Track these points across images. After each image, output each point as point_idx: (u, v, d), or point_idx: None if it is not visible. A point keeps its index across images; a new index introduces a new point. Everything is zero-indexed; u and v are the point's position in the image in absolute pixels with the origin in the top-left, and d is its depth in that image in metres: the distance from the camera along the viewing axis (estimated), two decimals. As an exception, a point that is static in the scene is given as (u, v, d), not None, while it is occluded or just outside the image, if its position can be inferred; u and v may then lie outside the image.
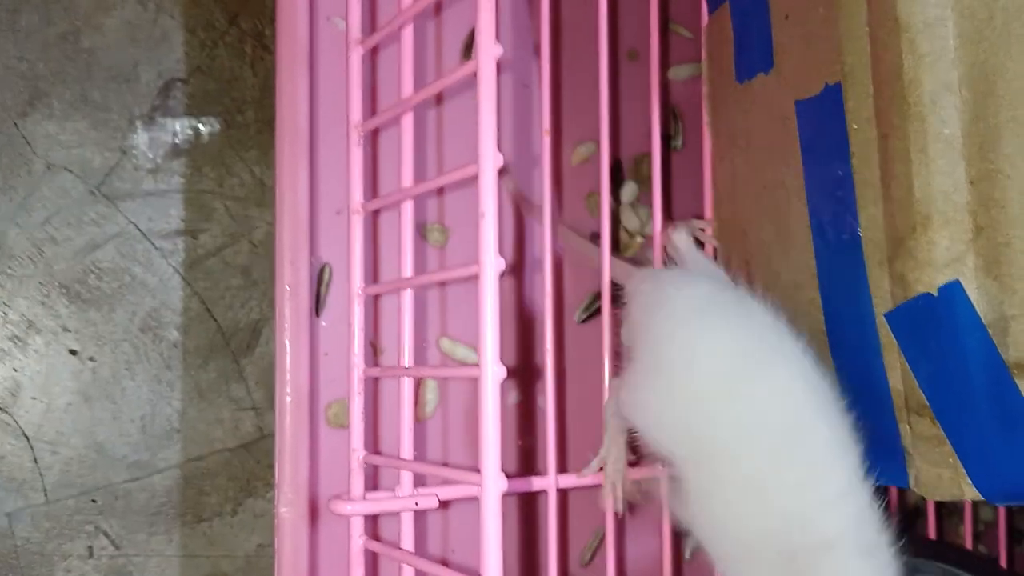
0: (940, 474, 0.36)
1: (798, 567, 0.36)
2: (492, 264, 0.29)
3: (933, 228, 0.33)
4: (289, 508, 0.42)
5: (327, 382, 0.47)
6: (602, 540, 0.49)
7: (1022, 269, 0.33)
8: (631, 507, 0.47)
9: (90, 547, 0.45)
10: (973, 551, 0.56)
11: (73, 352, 0.46)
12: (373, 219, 0.48)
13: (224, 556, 0.48)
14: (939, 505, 0.56)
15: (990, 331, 0.33)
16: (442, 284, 0.52)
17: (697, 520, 0.40)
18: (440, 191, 0.51)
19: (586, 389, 0.50)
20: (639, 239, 0.59)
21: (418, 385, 0.51)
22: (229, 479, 0.48)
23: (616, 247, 0.57)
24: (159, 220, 0.48)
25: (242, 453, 0.48)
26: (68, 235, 0.47)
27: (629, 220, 0.58)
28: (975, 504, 0.58)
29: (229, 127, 0.49)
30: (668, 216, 0.56)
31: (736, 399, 0.38)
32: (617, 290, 0.47)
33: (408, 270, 0.38)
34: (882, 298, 0.36)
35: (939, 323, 0.34)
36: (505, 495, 0.29)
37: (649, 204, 0.55)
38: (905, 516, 0.57)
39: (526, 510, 0.50)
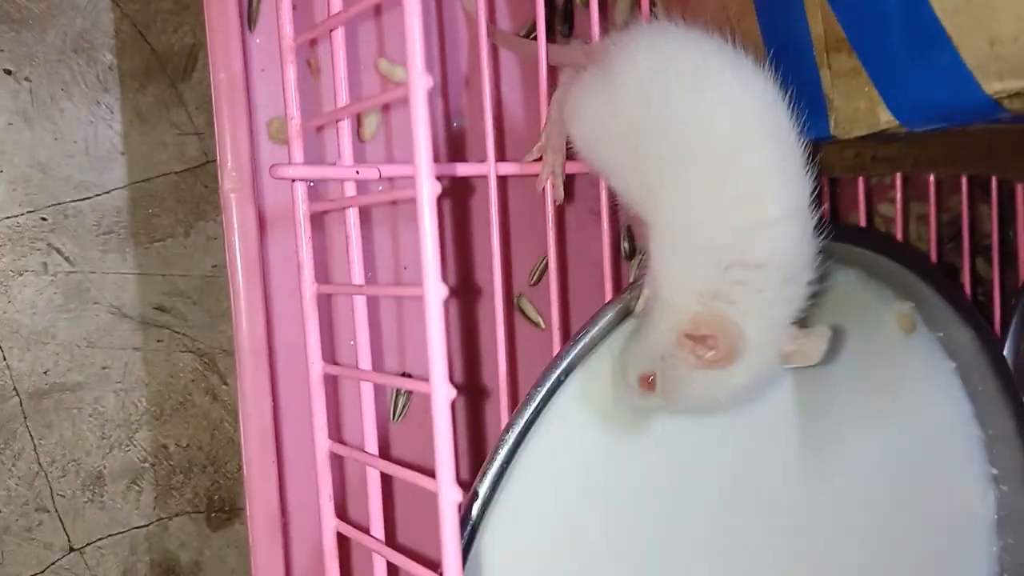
0: (857, 107, 0.37)
1: (728, 276, 0.38)
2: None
3: None
4: (240, 238, 0.42)
5: (266, 99, 0.47)
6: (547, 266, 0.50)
7: None
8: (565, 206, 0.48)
9: (44, 263, 0.46)
10: (894, 238, 0.59)
11: (8, 72, 0.45)
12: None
13: (181, 276, 0.49)
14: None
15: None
16: (377, 12, 0.51)
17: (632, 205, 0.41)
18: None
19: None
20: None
21: (360, 117, 0.51)
22: (178, 202, 0.49)
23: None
24: (81, -55, 0.47)
25: (189, 177, 0.49)
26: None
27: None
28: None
29: None
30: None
31: (681, 110, 0.38)
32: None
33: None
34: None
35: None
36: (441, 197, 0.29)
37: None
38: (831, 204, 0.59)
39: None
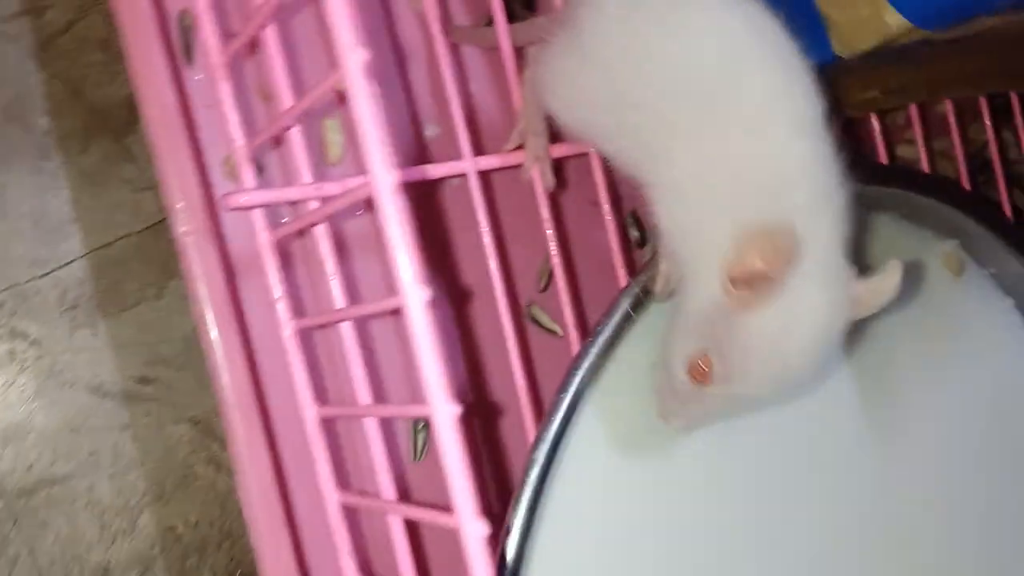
0: (860, 16, 0.33)
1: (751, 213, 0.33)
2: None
3: None
4: (206, 284, 0.39)
5: (216, 136, 0.43)
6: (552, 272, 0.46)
7: None
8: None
9: (10, 351, 0.42)
10: (923, 171, 0.54)
11: (-64, 153, 0.42)
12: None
13: (160, 341, 0.45)
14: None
15: None
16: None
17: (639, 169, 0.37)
18: None
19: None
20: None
21: (322, 137, 0.48)
22: (143, 263, 0.45)
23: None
24: None
25: (151, 235, 0.45)
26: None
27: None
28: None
29: None
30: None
31: (661, 45, 0.34)
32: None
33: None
34: None
35: None
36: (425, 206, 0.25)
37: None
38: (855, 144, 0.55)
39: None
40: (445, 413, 0.25)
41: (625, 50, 0.35)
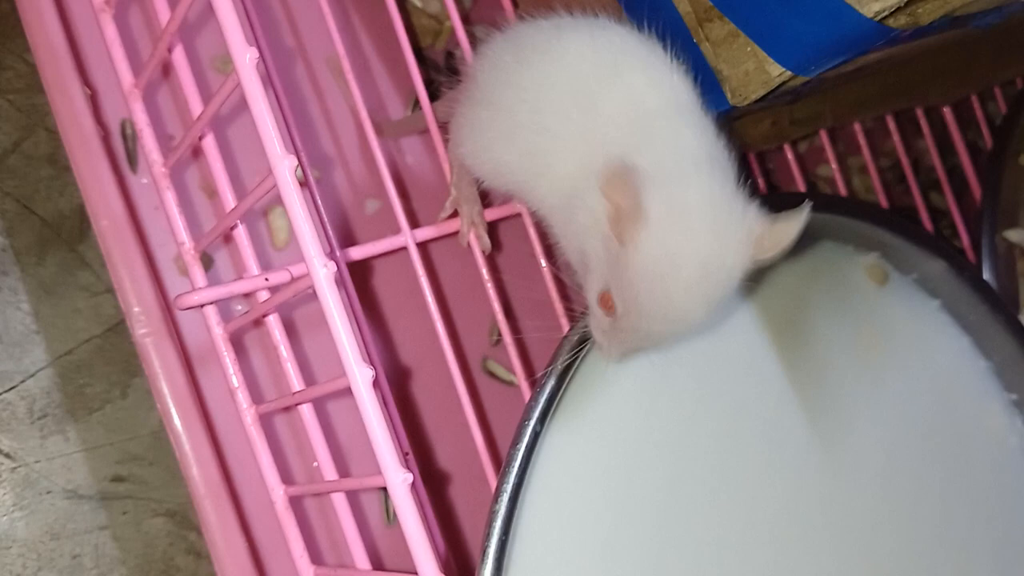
0: (746, 70, 0.36)
1: None
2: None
3: None
4: (167, 381, 0.40)
5: (165, 237, 0.45)
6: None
7: None
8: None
9: (-16, 467, 0.44)
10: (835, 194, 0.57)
11: None
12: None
13: (129, 439, 0.46)
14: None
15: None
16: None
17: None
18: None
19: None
20: (447, 24, 0.57)
21: (268, 224, 0.50)
22: (107, 364, 0.47)
23: (417, 43, 0.56)
24: (-53, 138, 0.46)
25: (112, 336, 0.47)
26: None
27: (430, 5, 0.57)
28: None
29: (-16, 22, 0.47)
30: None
31: (540, 63, 0.37)
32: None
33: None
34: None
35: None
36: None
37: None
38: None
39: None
40: (398, 481, 0.27)
41: (512, 83, 0.38)
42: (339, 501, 0.37)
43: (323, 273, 0.28)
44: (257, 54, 0.27)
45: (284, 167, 0.27)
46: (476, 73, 0.41)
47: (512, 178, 0.40)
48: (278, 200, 0.49)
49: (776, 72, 0.35)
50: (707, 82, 0.38)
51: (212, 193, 0.48)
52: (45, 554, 0.44)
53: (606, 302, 0.36)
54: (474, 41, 0.48)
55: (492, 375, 0.55)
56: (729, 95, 0.37)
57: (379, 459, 0.28)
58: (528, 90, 0.37)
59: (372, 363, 0.30)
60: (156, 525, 0.46)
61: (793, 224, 0.35)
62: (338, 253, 0.39)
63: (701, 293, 0.34)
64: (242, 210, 0.33)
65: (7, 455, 0.45)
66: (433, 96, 0.46)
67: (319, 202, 0.39)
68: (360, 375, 0.28)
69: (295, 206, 0.28)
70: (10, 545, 0.44)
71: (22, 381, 0.45)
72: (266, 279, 0.36)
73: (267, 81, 0.37)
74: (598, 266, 0.36)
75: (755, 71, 0.35)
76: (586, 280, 0.37)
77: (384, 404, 0.29)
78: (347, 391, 0.30)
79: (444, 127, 0.45)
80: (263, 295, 0.37)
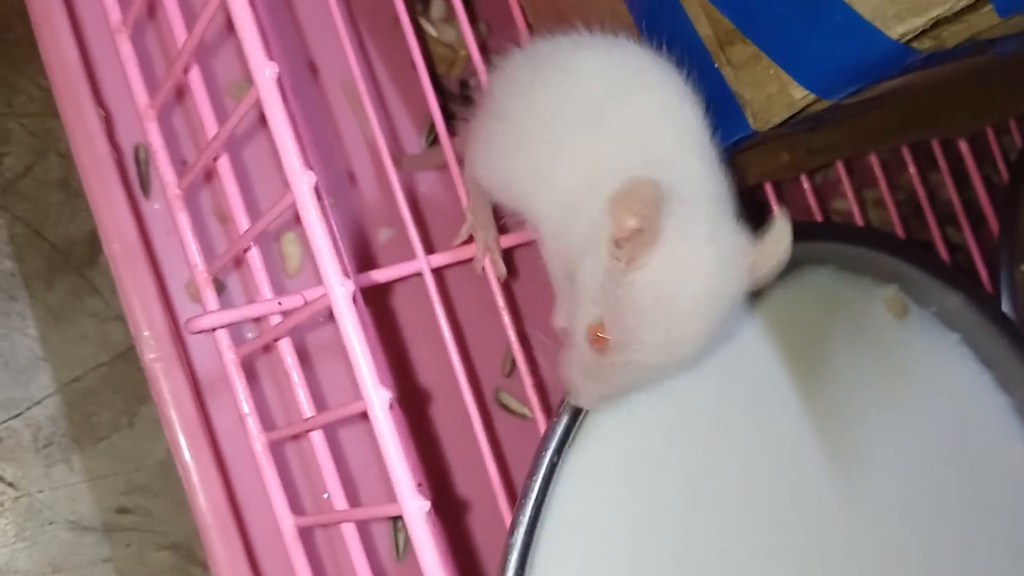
0: (768, 93, 0.36)
1: None
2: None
3: None
4: (176, 408, 0.39)
5: (177, 262, 0.44)
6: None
7: None
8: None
9: (-13, 496, 0.43)
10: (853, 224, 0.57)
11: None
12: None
13: (135, 470, 0.45)
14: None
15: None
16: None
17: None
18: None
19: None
20: (463, 52, 0.57)
21: (280, 251, 0.49)
22: (114, 392, 0.46)
23: (434, 71, 0.56)
24: (-42, 161, 0.45)
25: (120, 363, 0.46)
26: None
27: (445, 34, 0.57)
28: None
29: (2, 45, 0.47)
30: (473, 18, 0.55)
31: (554, 79, 0.37)
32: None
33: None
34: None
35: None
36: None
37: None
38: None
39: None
40: (415, 509, 0.26)
41: (526, 95, 0.38)
42: (349, 533, 0.36)
43: (341, 292, 0.27)
44: (277, 68, 0.26)
45: (303, 182, 0.27)
46: (492, 87, 0.41)
47: (517, 190, 0.39)
48: (290, 225, 0.49)
49: (800, 95, 0.34)
50: (725, 108, 0.38)
51: (224, 219, 0.47)
52: (46, 587, 0.43)
53: (596, 337, 0.34)
54: (490, 69, 0.47)
55: (505, 407, 0.54)
56: (751, 119, 0.37)
57: (395, 486, 0.27)
58: (540, 102, 0.37)
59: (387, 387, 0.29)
60: (160, 559, 0.45)
61: (780, 238, 0.34)
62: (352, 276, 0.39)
63: (702, 319, 0.34)
64: (258, 229, 0.32)
65: (10, 484, 0.44)
66: (449, 126, 0.46)
67: (334, 227, 0.39)
68: (377, 397, 0.27)
69: (314, 223, 0.27)
70: (11, 577, 0.43)
71: (28, 408, 0.44)
72: (279, 303, 0.36)
73: (285, 98, 0.37)
74: (590, 293, 0.34)
75: (778, 94, 0.35)
76: (573, 312, 0.36)
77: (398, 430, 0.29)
78: (361, 417, 0.29)
79: (461, 161, 0.45)
80: (275, 319, 0.37)
